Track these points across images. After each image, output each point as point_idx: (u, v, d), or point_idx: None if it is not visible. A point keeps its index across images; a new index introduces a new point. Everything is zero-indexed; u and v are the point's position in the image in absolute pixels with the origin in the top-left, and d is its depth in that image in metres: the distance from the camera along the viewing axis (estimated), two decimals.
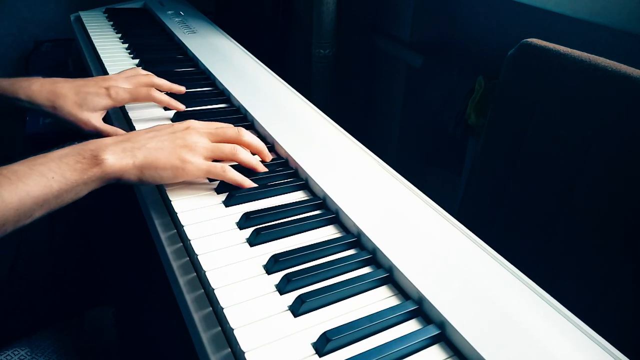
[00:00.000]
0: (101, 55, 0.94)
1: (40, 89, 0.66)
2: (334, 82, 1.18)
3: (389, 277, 0.46)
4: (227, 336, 0.41)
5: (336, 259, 0.47)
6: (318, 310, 0.42)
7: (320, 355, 0.38)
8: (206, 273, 0.45)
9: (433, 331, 0.40)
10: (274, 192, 0.57)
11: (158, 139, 0.55)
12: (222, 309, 0.41)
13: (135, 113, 0.73)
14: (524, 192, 0.67)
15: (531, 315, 0.41)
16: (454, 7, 1.03)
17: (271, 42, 1.37)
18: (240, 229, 0.51)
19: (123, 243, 0.77)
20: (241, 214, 0.52)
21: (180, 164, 0.53)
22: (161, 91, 0.73)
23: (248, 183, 0.57)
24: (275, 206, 0.54)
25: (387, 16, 1.16)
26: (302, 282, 0.44)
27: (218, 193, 0.56)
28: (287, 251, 0.47)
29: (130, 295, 0.77)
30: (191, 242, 0.48)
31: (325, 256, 0.49)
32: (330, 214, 0.54)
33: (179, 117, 0.71)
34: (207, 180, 0.58)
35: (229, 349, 0.40)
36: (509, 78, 0.67)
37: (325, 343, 0.38)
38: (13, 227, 0.46)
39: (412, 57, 1.08)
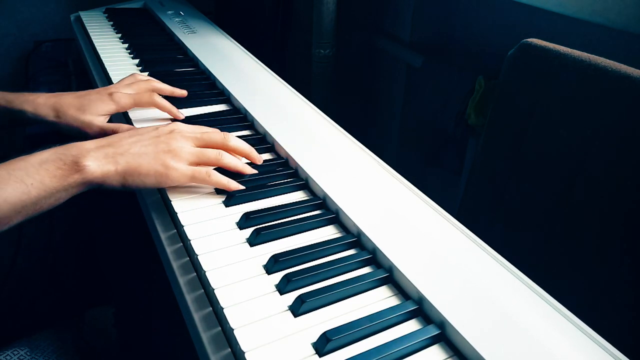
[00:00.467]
0: (101, 55, 0.93)
1: (45, 101, 0.66)
2: (333, 82, 1.18)
3: (389, 277, 0.46)
4: (227, 336, 0.41)
5: (336, 259, 0.47)
6: (318, 310, 0.42)
7: (320, 355, 0.38)
8: (206, 273, 0.45)
9: (433, 331, 0.40)
10: (274, 192, 0.57)
11: (141, 144, 0.54)
12: (222, 309, 0.41)
13: (135, 113, 0.73)
14: (524, 192, 0.67)
15: (531, 315, 0.41)
16: (454, 7, 1.03)
17: (271, 42, 1.37)
18: (240, 229, 0.51)
19: (123, 243, 0.77)
20: (241, 214, 0.52)
21: (163, 170, 0.53)
22: (163, 95, 0.73)
23: (234, 185, 0.56)
24: (275, 206, 0.54)
25: (387, 16, 1.16)
26: (302, 282, 0.44)
27: (218, 193, 0.56)
28: (287, 251, 0.47)
29: (130, 295, 0.77)
30: (191, 242, 0.48)
31: (325, 256, 0.49)
32: (330, 214, 0.54)
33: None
34: None
35: (229, 349, 0.40)
36: (509, 78, 0.67)
37: (325, 343, 0.38)
38: None
39: (412, 57, 1.08)
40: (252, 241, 0.49)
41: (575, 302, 0.44)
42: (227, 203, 0.54)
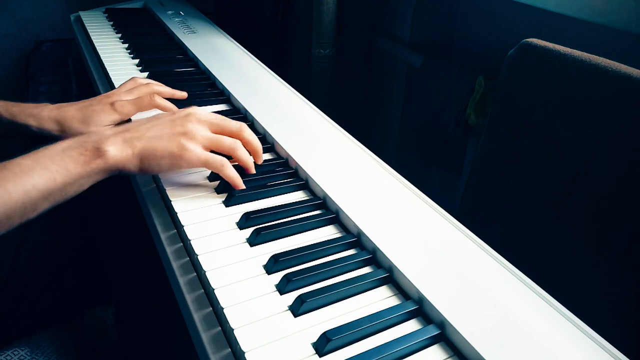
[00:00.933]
0: (101, 55, 0.93)
1: (49, 115, 0.66)
2: (334, 82, 1.18)
3: (389, 277, 0.46)
4: (227, 336, 0.41)
5: (336, 259, 0.47)
6: (318, 310, 0.42)
7: (320, 355, 0.38)
8: (206, 273, 0.45)
9: (433, 331, 0.40)
10: (274, 192, 0.57)
11: (157, 128, 0.54)
12: (222, 309, 0.41)
13: (137, 117, 0.72)
14: (524, 192, 0.67)
15: (531, 315, 0.41)
16: (454, 7, 1.03)
17: (271, 42, 1.37)
18: (241, 229, 0.51)
19: (123, 243, 0.77)
20: (241, 214, 0.52)
21: (177, 151, 0.53)
22: (164, 97, 0.73)
23: (240, 183, 0.56)
24: (275, 206, 0.54)
25: (387, 16, 1.16)
26: (302, 282, 0.44)
27: (218, 193, 0.56)
28: (287, 251, 0.47)
29: (130, 295, 0.77)
30: (191, 242, 0.48)
31: (325, 256, 0.49)
32: (330, 214, 0.54)
33: None
34: (207, 181, 0.58)
35: (229, 349, 0.40)
36: (509, 78, 0.67)
37: (325, 343, 0.38)
38: (19, 220, 0.46)
39: (412, 57, 1.08)
40: (252, 241, 0.49)
41: (575, 302, 0.44)
42: (227, 203, 0.54)
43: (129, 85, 0.73)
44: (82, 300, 0.77)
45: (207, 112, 0.59)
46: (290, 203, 0.55)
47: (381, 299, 0.44)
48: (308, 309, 0.42)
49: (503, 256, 0.47)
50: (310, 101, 0.77)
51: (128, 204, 0.70)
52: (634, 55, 0.66)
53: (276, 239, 0.50)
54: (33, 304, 0.69)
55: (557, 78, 0.61)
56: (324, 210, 0.55)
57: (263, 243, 0.49)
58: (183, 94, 0.76)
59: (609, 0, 0.68)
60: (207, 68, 0.87)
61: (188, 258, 0.49)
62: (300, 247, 0.48)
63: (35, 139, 1.05)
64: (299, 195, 0.58)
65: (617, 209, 0.56)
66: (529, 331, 0.39)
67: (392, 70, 1.18)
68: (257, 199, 0.56)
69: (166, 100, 0.72)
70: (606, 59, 0.57)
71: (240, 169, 0.58)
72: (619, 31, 0.68)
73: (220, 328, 0.42)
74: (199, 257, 0.46)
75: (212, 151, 0.56)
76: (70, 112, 0.67)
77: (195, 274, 0.47)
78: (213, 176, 0.58)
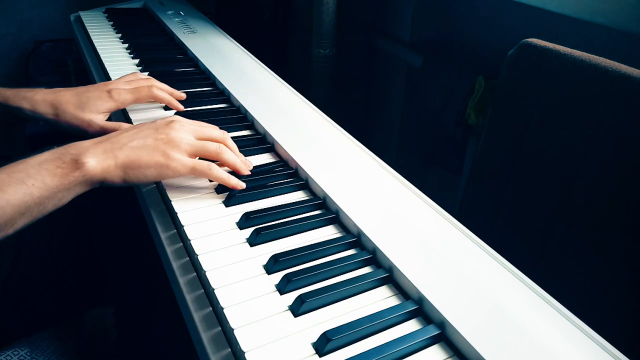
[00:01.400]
0: (101, 55, 0.93)
1: (43, 98, 0.65)
2: (333, 82, 1.18)
3: (389, 277, 0.46)
4: (227, 336, 0.41)
5: (336, 259, 0.47)
6: (318, 310, 0.42)
7: (320, 355, 0.38)
8: (206, 273, 0.45)
9: (433, 331, 0.40)
10: (274, 192, 0.57)
11: (140, 137, 0.53)
12: (222, 309, 0.41)
13: (136, 115, 0.73)
14: (524, 192, 0.67)
15: (531, 315, 0.41)
16: (454, 7, 1.03)
17: (271, 42, 1.37)
18: (241, 229, 0.51)
19: (123, 243, 0.77)
20: (241, 214, 0.52)
21: (164, 161, 0.52)
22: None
23: (234, 181, 0.55)
24: (275, 206, 0.54)
25: (387, 16, 1.16)
26: (302, 282, 0.44)
27: (218, 193, 0.56)
28: (287, 251, 0.47)
29: (130, 295, 0.77)
30: (191, 242, 0.48)
31: (325, 256, 0.49)
32: (330, 214, 0.54)
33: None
34: (207, 181, 0.58)
35: (229, 349, 0.40)
36: (509, 78, 0.67)
37: (325, 343, 0.38)
38: None
39: (412, 57, 1.08)
40: (252, 241, 0.49)
41: (576, 302, 0.44)
42: (227, 203, 0.54)
43: (129, 77, 0.73)
44: (82, 300, 0.77)
45: (189, 120, 0.58)
46: (290, 203, 0.55)
47: (381, 299, 0.44)
48: (308, 309, 0.42)
49: (503, 256, 0.47)
50: (310, 101, 0.77)
51: (128, 204, 0.70)
52: (634, 55, 0.66)
53: (276, 239, 0.50)
54: (33, 304, 0.69)
55: (557, 78, 0.61)
56: (324, 210, 0.55)
57: (263, 243, 0.49)
58: (181, 95, 0.76)
59: (609, 0, 0.68)
60: (207, 68, 0.87)
61: (188, 258, 0.49)
62: (300, 247, 0.48)
63: (35, 141, 1.05)
64: (299, 195, 0.58)
65: (617, 209, 0.56)
66: (529, 331, 0.39)
67: (392, 70, 1.18)
68: (257, 199, 0.56)
69: (164, 92, 0.71)
70: (606, 59, 0.57)
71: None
72: (619, 31, 0.68)
73: (220, 328, 0.42)
74: (199, 257, 0.46)
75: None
76: (65, 96, 0.66)
77: (195, 274, 0.47)
78: None
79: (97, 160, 0.50)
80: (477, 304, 0.41)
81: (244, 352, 0.37)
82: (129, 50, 0.97)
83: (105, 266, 0.76)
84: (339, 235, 0.52)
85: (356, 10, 1.15)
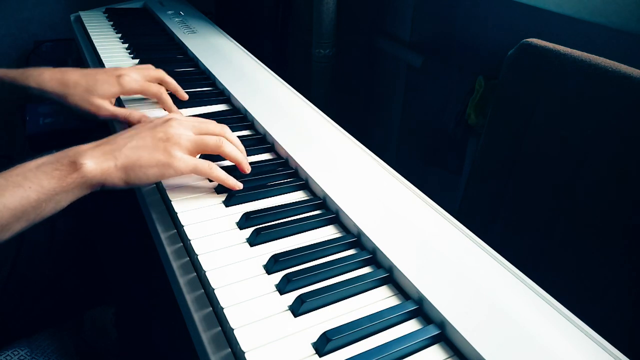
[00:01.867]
0: (101, 55, 0.93)
1: (51, 77, 0.65)
2: (334, 82, 1.18)
3: (389, 277, 0.46)
4: (227, 336, 0.41)
5: (336, 259, 0.47)
6: (318, 310, 0.42)
7: (320, 355, 0.38)
8: (206, 273, 0.45)
9: (433, 331, 0.40)
10: (274, 192, 0.57)
11: (139, 137, 0.53)
12: (222, 308, 0.41)
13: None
14: (524, 192, 0.67)
15: (531, 315, 0.41)
16: (454, 7, 1.03)
17: (271, 42, 1.37)
18: (241, 229, 0.51)
19: (123, 243, 0.77)
20: (241, 214, 0.52)
21: (165, 160, 0.51)
22: (167, 90, 0.73)
23: (233, 183, 0.55)
24: (275, 206, 0.54)
25: (387, 16, 1.16)
26: (302, 282, 0.44)
27: (218, 193, 0.56)
28: (287, 251, 0.47)
29: (130, 295, 0.77)
30: (191, 242, 0.48)
31: (325, 256, 0.49)
32: (330, 214, 0.54)
33: None
34: (207, 181, 0.58)
35: (229, 349, 0.40)
36: (509, 78, 0.67)
37: (325, 343, 0.38)
38: None
39: (412, 57, 1.08)
40: (252, 241, 0.49)
41: (576, 302, 0.44)
42: (227, 203, 0.54)
43: (141, 67, 0.74)
44: (82, 300, 0.77)
45: (187, 117, 0.58)
46: (290, 203, 0.55)
47: (381, 299, 0.44)
48: (308, 309, 0.42)
49: (503, 256, 0.47)
50: (310, 101, 0.77)
51: (128, 205, 0.70)
52: (634, 55, 0.66)
53: (276, 239, 0.50)
54: (33, 304, 0.69)
55: (557, 78, 0.61)
56: (324, 210, 0.55)
57: (263, 243, 0.49)
58: (185, 96, 0.76)
59: (609, 0, 0.68)
60: (207, 68, 0.87)
61: (188, 258, 0.49)
62: (300, 247, 0.48)
63: (36, 141, 1.05)
64: (299, 195, 0.58)
65: (617, 208, 0.56)
66: (529, 331, 0.39)
67: (392, 70, 1.18)
68: (257, 199, 0.56)
69: (170, 99, 0.72)
70: (606, 59, 0.57)
71: (234, 169, 0.58)
72: (619, 31, 0.68)
73: (220, 328, 0.42)
74: (199, 257, 0.46)
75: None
76: (74, 76, 0.66)
77: (195, 274, 0.47)
78: None
79: (96, 162, 0.49)
80: (477, 304, 0.41)
81: (244, 352, 0.37)
82: (129, 50, 0.97)
83: (105, 266, 0.76)
84: (339, 235, 0.52)
85: (356, 10, 1.15)
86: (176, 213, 0.52)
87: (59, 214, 0.53)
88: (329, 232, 0.52)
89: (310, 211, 0.55)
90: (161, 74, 0.73)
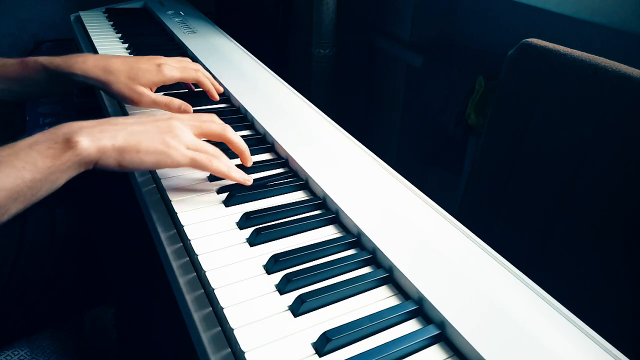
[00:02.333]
0: None
1: (95, 64, 0.66)
2: (334, 82, 1.18)
3: (389, 277, 0.46)
4: (227, 336, 0.41)
5: (336, 259, 0.47)
6: (318, 310, 0.42)
7: (320, 355, 0.38)
8: (206, 273, 0.45)
9: (433, 331, 0.40)
10: (274, 192, 0.57)
11: (141, 123, 0.52)
12: (222, 308, 0.41)
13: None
14: (524, 192, 0.67)
15: (531, 315, 0.41)
16: (454, 7, 1.03)
17: (271, 42, 1.37)
18: (240, 229, 0.51)
19: (123, 243, 0.77)
20: (241, 213, 0.52)
21: (164, 149, 0.51)
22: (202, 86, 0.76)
23: (234, 174, 0.55)
24: (275, 206, 0.54)
25: (387, 16, 1.16)
26: (302, 282, 0.44)
27: (218, 193, 0.56)
28: (287, 251, 0.47)
29: (130, 295, 0.77)
30: (191, 242, 0.48)
31: (325, 256, 0.49)
32: (330, 214, 0.54)
33: None
34: (207, 181, 0.58)
35: (229, 349, 0.40)
36: (508, 78, 0.67)
37: (325, 343, 0.38)
38: None
39: (412, 57, 1.08)
40: (252, 241, 0.49)
41: (576, 302, 0.44)
42: (227, 203, 0.54)
43: (179, 58, 0.75)
44: (82, 300, 0.77)
45: (188, 115, 0.58)
46: (290, 203, 0.55)
47: (381, 299, 0.44)
48: (308, 309, 0.42)
49: (503, 256, 0.47)
50: (310, 101, 0.77)
51: (128, 204, 0.70)
52: (634, 55, 0.66)
53: (276, 239, 0.50)
54: (33, 304, 0.69)
55: (557, 78, 0.61)
56: (324, 210, 0.55)
57: (263, 243, 0.49)
58: (220, 88, 0.78)
59: (609, 0, 0.68)
60: (207, 68, 0.87)
61: (188, 258, 0.49)
62: (300, 247, 0.48)
63: None
64: (299, 195, 0.58)
65: (617, 209, 0.56)
66: (529, 331, 0.39)
67: (392, 70, 1.18)
68: (257, 199, 0.56)
69: (207, 80, 0.74)
70: (606, 59, 0.57)
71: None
72: (619, 31, 0.68)
73: (220, 328, 0.42)
74: (199, 257, 0.46)
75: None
76: (116, 63, 0.67)
77: (195, 274, 0.47)
78: (213, 176, 0.58)
79: (92, 139, 0.48)
80: (477, 304, 0.41)
81: (244, 352, 0.37)
82: (129, 50, 0.98)
83: (105, 266, 0.76)
84: (339, 235, 0.52)
85: (356, 10, 1.15)
86: (176, 213, 0.52)
87: (60, 215, 0.53)
88: (329, 232, 0.52)
89: (310, 211, 0.55)
90: (198, 66, 0.75)
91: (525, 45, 0.64)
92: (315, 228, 0.52)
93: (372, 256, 0.48)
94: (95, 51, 0.98)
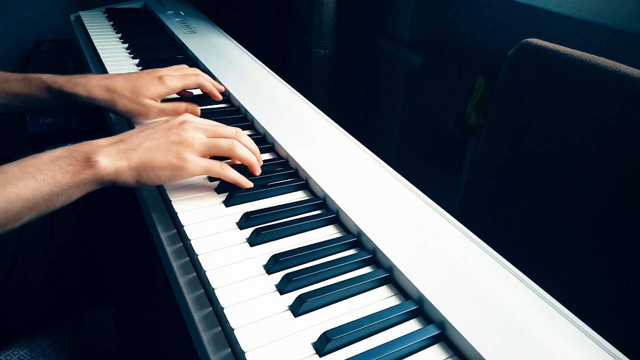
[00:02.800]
0: (101, 55, 0.93)
1: (98, 83, 0.67)
2: (334, 82, 1.18)
3: (389, 277, 0.46)
4: (227, 336, 0.41)
5: (336, 259, 0.47)
6: (318, 310, 0.42)
7: (321, 355, 0.38)
8: (206, 273, 0.45)
9: (433, 331, 0.40)
10: (274, 192, 0.57)
11: (152, 137, 0.53)
12: (223, 308, 0.41)
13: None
14: (523, 192, 0.67)
15: (531, 315, 0.41)
16: (454, 7, 1.03)
17: (271, 42, 1.37)
18: (241, 229, 0.51)
19: (123, 243, 0.77)
20: (241, 214, 0.52)
21: (178, 163, 0.52)
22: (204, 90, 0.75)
23: (245, 182, 0.56)
24: (275, 206, 0.54)
25: (387, 16, 1.16)
26: (302, 282, 0.44)
27: (218, 193, 0.56)
28: (287, 251, 0.47)
29: (130, 295, 0.77)
30: (191, 242, 0.48)
31: (326, 256, 0.49)
32: (330, 214, 0.54)
33: None
34: (207, 181, 0.58)
35: (229, 349, 0.40)
36: (509, 78, 0.67)
37: (325, 343, 0.38)
38: (0, 230, 0.45)
39: (412, 57, 1.08)
40: (252, 241, 0.49)
41: (576, 302, 0.44)
42: (227, 203, 0.54)
43: (176, 67, 0.75)
44: (82, 300, 0.77)
45: (201, 119, 0.59)
46: (290, 203, 0.55)
47: (381, 299, 0.44)
48: (308, 309, 0.42)
49: (503, 256, 0.47)
50: (310, 101, 0.77)
51: (128, 204, 0.70)
52: (634, 55, 0.66)
53: (276, 239, 0.50)
54: (33, 304, 0.69)
55: (557, 78, 0.61)
56: (324, 210, 0.55)
57: (263, 243, 0.49)
58: (221, 87, 0.77)
59: (609, 0, 0.68)
60: (207, 68, 0.87)
61: (188, 258, 0.49)
62: (300, 247, 0.48)
63: (36, 141, 1.05)
64: (299, 195, 0.58)
65: (617, 208, 0.56)
66: (529, 331, 0.39)
67: (392, 70, 1.18)
68: (257, 199, 0.56)
69: (209, 83, 0.74)
70: (606, 59, 0.57)
71: (244, 169, 0.58)
72: (619, 31, 0.68)
73: (220, 328, 0.42)
74: (199, 257, 0.46)
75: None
76: (119, 82, 0.67)
77: (195, 274, 0.47)
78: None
79: (110, 160, 0.50)
80: (477, 304, 0.41)
81: (244, 352, 0.37)
82: (129, 50, 0.98)
83: (105, 266, 0.76)
84: (339, 235, 0.52)
85: (356, 10, 1.15)
86: (176, 213, 0.52)
87: (60, 214, 0.53)
88: (329, 232, 0.52)
89: (310, 211, 0.55)
90: (197, 71, 0.75)
91: (525, 45, 0.64)
92: (315, 228, 0.52)
93: (372, 256, 0.48)
94: (95, 51, 0.98)
